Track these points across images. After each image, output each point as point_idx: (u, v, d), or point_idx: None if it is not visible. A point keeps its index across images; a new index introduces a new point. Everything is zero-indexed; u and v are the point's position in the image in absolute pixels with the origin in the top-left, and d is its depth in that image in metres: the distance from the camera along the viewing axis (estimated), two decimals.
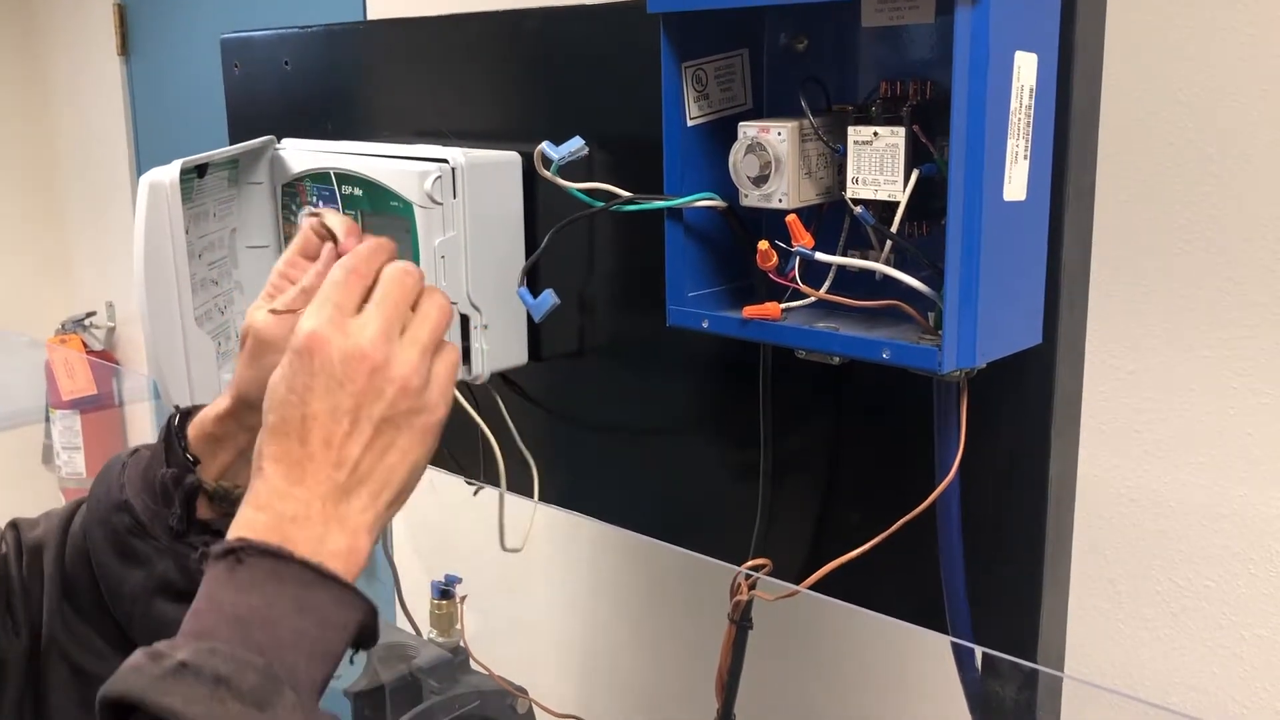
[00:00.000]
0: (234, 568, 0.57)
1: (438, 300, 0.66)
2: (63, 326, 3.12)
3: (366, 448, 0.61)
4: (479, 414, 1.03)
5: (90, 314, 3.14)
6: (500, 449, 1.03)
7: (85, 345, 3.10)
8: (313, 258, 0.73)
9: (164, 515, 0.71)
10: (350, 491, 0.61)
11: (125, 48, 2.86)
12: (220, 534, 0.70)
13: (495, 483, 1.03)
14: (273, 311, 0.71)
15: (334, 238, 0.71)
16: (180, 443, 0.73)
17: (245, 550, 0.57)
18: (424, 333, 0.65)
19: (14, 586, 0.73)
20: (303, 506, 0.59)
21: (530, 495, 1.03)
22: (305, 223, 0.74)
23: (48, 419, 3.06)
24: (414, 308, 0.66)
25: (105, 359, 3.12)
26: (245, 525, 0.60)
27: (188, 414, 0.75)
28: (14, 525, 0.76)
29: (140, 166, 2.87)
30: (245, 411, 0.71)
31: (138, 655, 0.55)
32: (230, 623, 0.55)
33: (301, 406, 0.61)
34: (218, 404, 0.73)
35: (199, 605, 0.57)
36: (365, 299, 0.64)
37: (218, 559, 0.58)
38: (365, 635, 0.60)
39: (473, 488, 1.10)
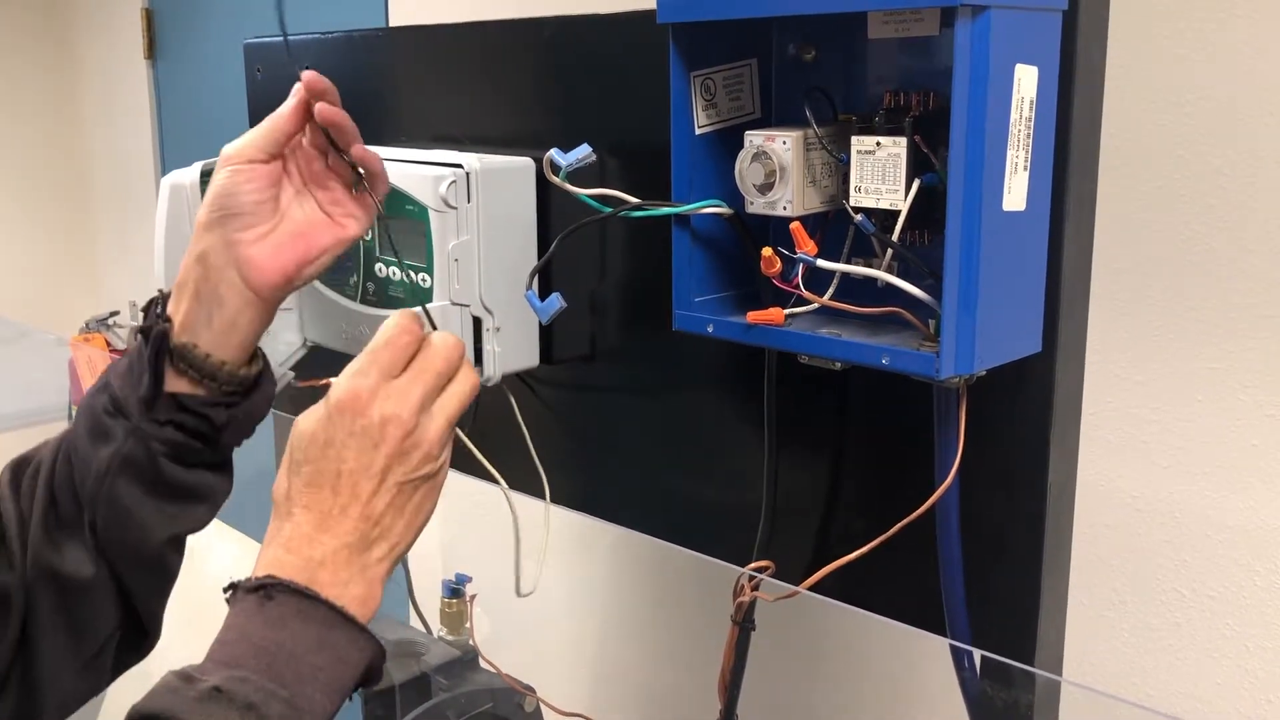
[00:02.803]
0: (263, 603, 0.62)
1: (472, 380, 0.71)
2: (87, 325, 3.16)
3: (389, 505, 0.66)
4: (491, 416, 1.05)
5: (114, 314, 3.18)
6: (512, 451, 1.04)
7: (109, 344, 3.14)
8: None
9: (137, 389, 0.72)
10: (372, 543, 0.66)
11: (152, 51, 2.90)
12: (189, 410, 0.73)
13: (508, 486, 1.05)
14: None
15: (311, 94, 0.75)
16: (159, 310, 0.75)
17: (276, 588, 0.62)
18: (453, 406, 0.69)
19: (7, 519, 0.74)
20: (330, 553, 0.64)
21: (541, 497, 1.05)
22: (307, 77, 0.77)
23: (70, 417, 3.09)
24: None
25: None
26: (275, 564, 0.64)
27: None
28: (11, 463, 0.78)
29: (165, 168, 2.91)
30: (200, 237, 0.74)
31: (170, 677, 0.59)
32: (257, 654, 0.60)
33: (338, 462, 0.65)
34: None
35: (227, 635, 0.62)
36: (407, 363, 0.69)
37: (248, 592, 0.63)
38: (372, 674, 0.65)
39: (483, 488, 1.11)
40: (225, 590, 0.65)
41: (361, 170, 0.77)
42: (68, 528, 0.74)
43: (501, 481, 1.03)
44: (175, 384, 0.73)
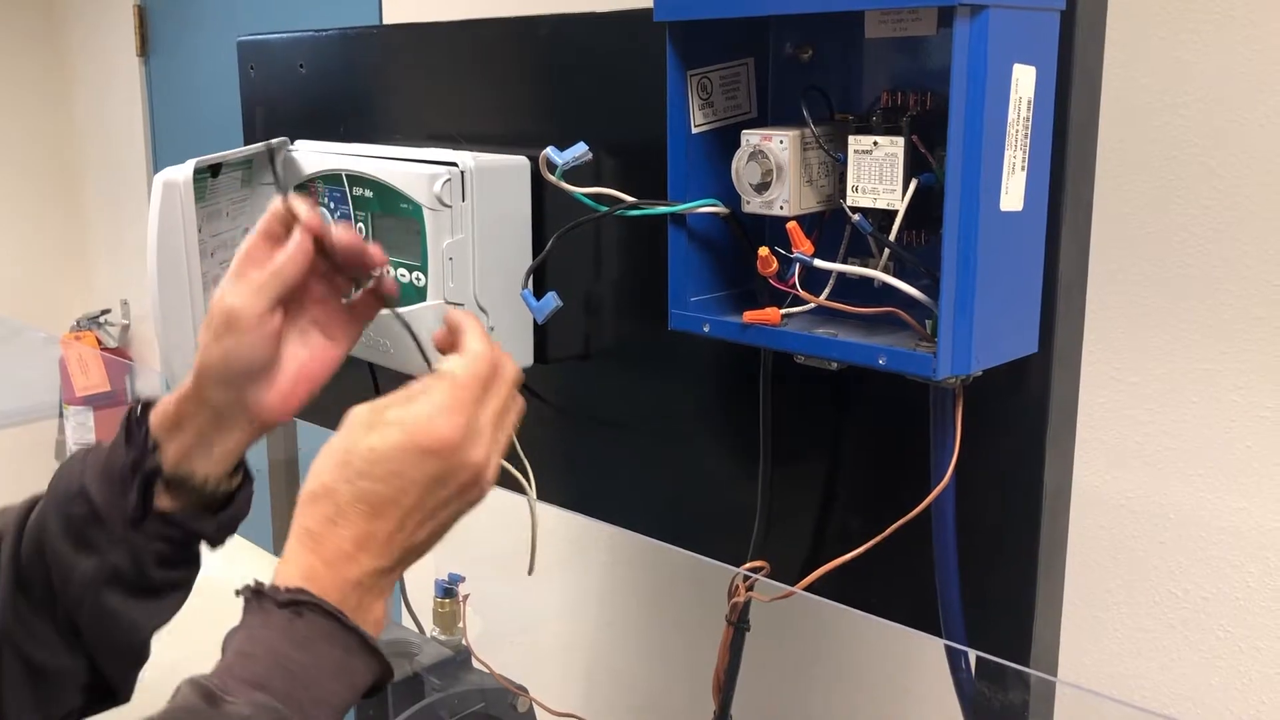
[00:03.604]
0: (292, 620, 0.60)
1: (521, 405, 0.70)
2: (78, 323, 3.15)
3: (430, 535, 0.66)
4: None
5: (105, 311, 3.17)
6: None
7: (100, 342, 3.13)
8: (276, 241, 0.73)
9: (121, 505, 0.71)
10: (400, 567, 0.65)
11: (144, 49, 2.89)
12: (177, 524, 0.71)
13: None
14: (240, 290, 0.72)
15: (297, 218, 0.72)
16: (141, 429, 0.74)
17: (308, 606, 0.61)
18: (509, 438, 0.69)
19: None
20: (366, 575, 0.63)
21: (541, 497, 1.04)
22: (270, 207, 0.74)
23: (61, 415, 3.09)
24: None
25: (119, 356, 3.15)
26: (311, 577, 0.62)
27: (149, 404, 0.75)
28: None
29: (157, 166, 2.89)
30: (206, 388, 0.72)
31: (192, 696, 0.57)
32: (284, 675, 0.59)
33: (401, 495, 0.63)
34: (179, 389, 0.74)
35: (251, 649, 0.60)
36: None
37: (280, 605, 0.60)
38: (370, 693, 0.64)
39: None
40: (242, 592, 0.62)
41: (373, 281, 0.75)
42: (39, 614, 0.73)
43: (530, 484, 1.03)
44: (162, 501, 0.72)
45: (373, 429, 0.64)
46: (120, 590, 0.72)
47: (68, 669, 0.73)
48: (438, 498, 0.65)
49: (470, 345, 0.68)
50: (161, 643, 0.77)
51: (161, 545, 0.72)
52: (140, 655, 0.75)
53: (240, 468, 0.75)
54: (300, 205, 0.72)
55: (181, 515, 0.72)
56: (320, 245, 0.71)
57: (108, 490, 0.72)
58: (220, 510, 0.74)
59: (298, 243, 0.71)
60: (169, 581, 0.74)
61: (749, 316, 0.77)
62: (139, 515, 0.72)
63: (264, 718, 0.57)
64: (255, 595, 0.62)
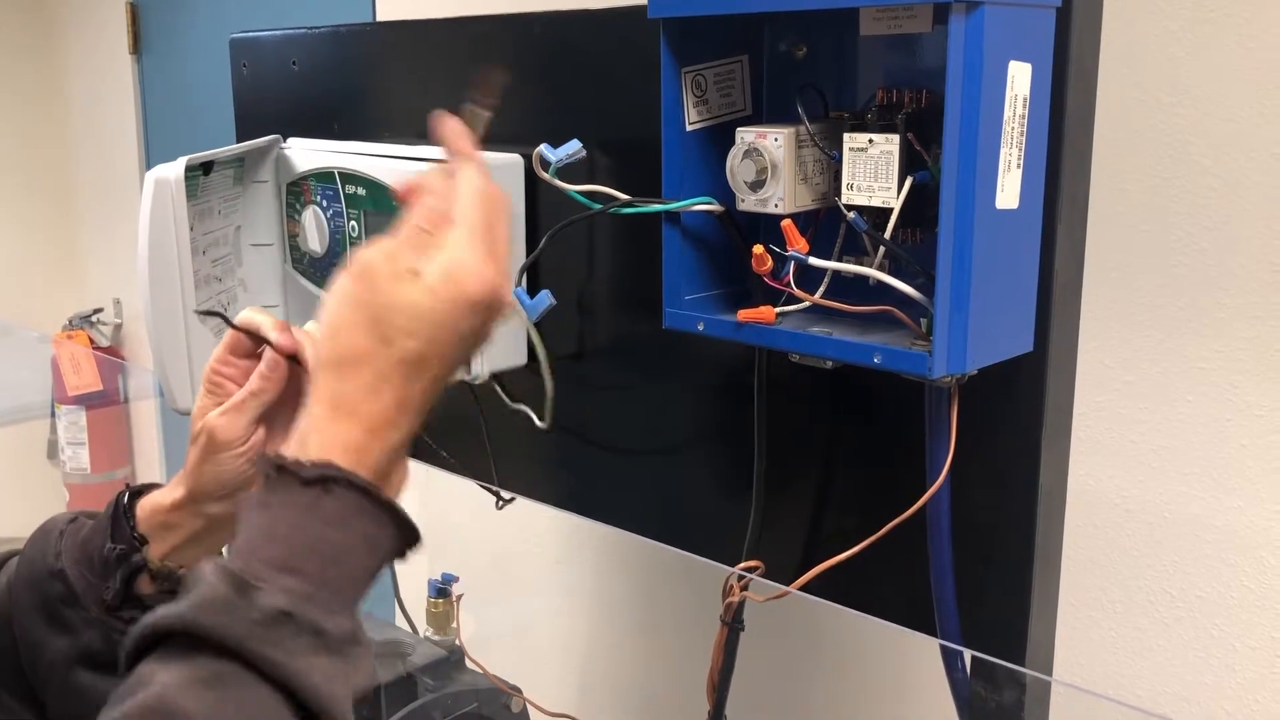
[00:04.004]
0: (321, 498, 0.55)
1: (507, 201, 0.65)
2: (70, 322, 3.14)
3: (449, 376, 0.61)
4: (479, 413, 1.04)
5: (98, 310, 3.16)
6: (502, 449, 1.04)
7: (92, 341, 3.12)
8: (242, 355, 0.74)
9: (98, 588, 0.70)
10: (417, 426, 0.60)
11: (137, 46, 2.88)
12: (152, 608, 0.68)
13: (482, 479, 1.04)
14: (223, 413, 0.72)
15: (266, 340, 0.72)
16: (129, 521, 0.73)
17: (337, 481, 0.56)
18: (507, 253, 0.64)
19: None
20: (405, 439, 0.59)
21: (535, 496, 1.04)
22: (238, 320, 0.74)
23: (53, 414, 3.08)
24: None
25: (112, 355, 3.13)
26: (351, 448, 0.57)
27: (137, 492, 0.74)
28: None
29: (150, 164, 2.89)
30: (203, 503, 0.72)
31: (219, 584, 0.52)
32: (314, 557, 0.54)
33: (451, 350, 0.59)
34: (172, 492, 0.73)
35: (278, 528, 0.55)
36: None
37: (307, 483, 0.55)
38: (400, 555, 0.60)
39: (482, 491, 1.11)
40: (261, 465, 0.57)
41: None
42: (4, 685, 0.72)
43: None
44: (142, 586, 0.72)
45: (401, 280, 0.59)
46: (91, 669, 0.70)
47: None
48: (477, 345, 0.61)
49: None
50: None
51: (135, 625, 0.71)
52: None
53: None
54: (260, 318, 0.72)
55: (157, 597, 0.71)
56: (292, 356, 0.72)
57: (86, 574, 0.71)
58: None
59: (270, 363, 0.71)
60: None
61: (744, 315, 0.77)
62: (117, 603, 0.70)
63: (303, 608, 0.52)
64: (277, 470, 0.56)
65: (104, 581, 0.70)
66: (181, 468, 0.74)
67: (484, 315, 0.60)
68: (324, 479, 0.55)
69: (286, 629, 0.51)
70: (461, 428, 1.05)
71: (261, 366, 0.72)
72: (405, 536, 0.58)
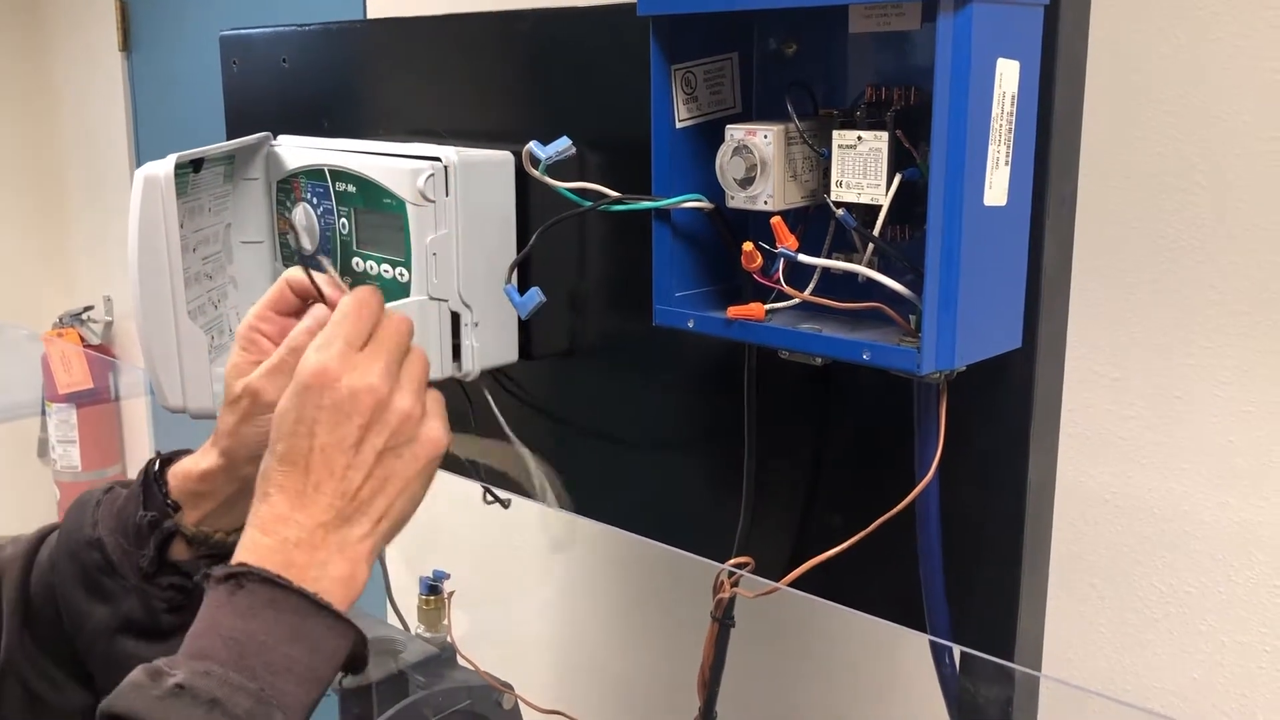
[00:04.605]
0: (234, 592, 0.60)
1: (421, 352, 0.71)
2: (60, 320, 3.13)
3: (368, 477, 0.64)
4: (470, 411, 1.04)
5: (88, 308, 3.15)
6: (491, 445, 1.04)
7: (82, 339, 3.11)
8: (284, 312, 0.75)
9: (135, 556, 0.72)
10: (350, 519, 0.64)
11: (127, 43, 2.87)
12: (189, 574, 0.72)
13: (480, 479, 1.04)
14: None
15: (321, 297, 0.73)
16: (161, 489, 0.74)
17: (247, 576, 0.61)
18: (418, 373, 0.68)
19: None
20: (306, 534, 0.63)
21: (528, 495, 1.04)
22: (284, 276, 0.75)
23: (44, 412, 3.07)
24: None
25: (102, 353, 3.13)
26: (249, 549, 0.62)
27: (168, 459, 0.76)
28: None
29: (140, 161, 2.87)
30: (240, 466, 0.73)
31: (138, 673, 0.58)
32: (227, 645, 0.59)
33: (310, 438, 0.64)
34: (204, 459, 0.74)
35: (198, 626, 0.61)
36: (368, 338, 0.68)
37: (219, 582, 0.61)
38: (355, 661, 0.63)
39: (478, 490, 1.11)
40: (197, 578, 0.63)
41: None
42: (48, 652, 0.74)
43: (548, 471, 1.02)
44: (177, 551, 0.74)
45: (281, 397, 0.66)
46: (133, 636, 0.72)
47: (72, 703, 0.73)
48: (350, 434, 0.64)
49: (349, 295, 0.70)
50: None
51: (174, 593, 0.73)
52: None
53: None
54: (322, 278, 0.74)
55: (193, 563, 0.73)
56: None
57: (123, 542, 0.73)
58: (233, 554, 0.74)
59: (319, 319, 0.72)
60: (181, 624, 0.73)
61: (733, 312, 0.77)
62: (154, 570, 0.72)
63: (201, 682, 0.57)
64: (205, 578, 0.63)
65: (139, 549, 0.72)
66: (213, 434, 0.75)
67: (328, 397, 0.64)
68: (232, 575, 0.61)
69: (181, 701, 0.56)
70: (453, 425, 1.05)
71: (307, 321, 0.73)
72: (340, 629, 0.62)
